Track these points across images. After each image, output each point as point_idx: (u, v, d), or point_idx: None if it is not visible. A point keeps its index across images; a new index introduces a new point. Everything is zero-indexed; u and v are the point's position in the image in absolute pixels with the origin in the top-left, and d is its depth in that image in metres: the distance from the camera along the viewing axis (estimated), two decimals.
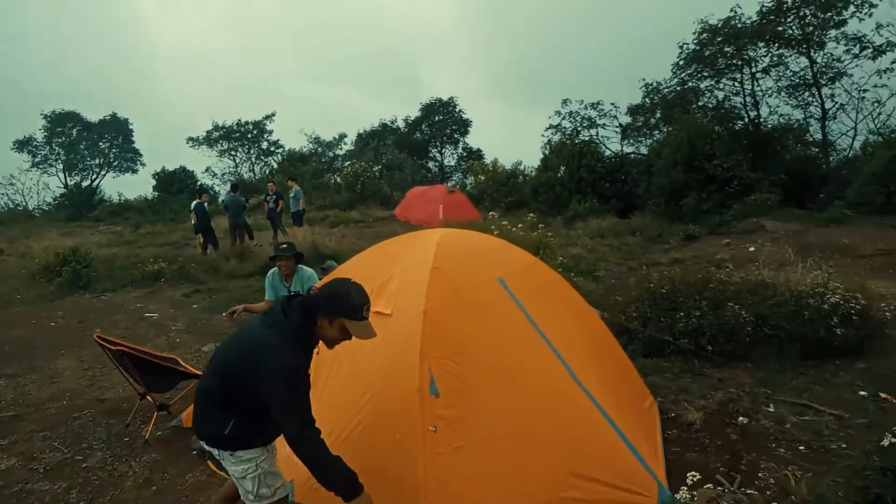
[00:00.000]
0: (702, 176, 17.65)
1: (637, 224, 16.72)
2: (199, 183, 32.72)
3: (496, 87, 77.58)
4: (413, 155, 37.88)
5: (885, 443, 3.00)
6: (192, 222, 14.68)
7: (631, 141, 25.36)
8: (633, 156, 24.28)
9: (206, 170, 40.60)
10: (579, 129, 25.48)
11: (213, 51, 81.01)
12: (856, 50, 19.90)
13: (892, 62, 19.76)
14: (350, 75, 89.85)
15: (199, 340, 7.90)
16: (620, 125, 25.32)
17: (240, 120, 40.75)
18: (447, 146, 41.59)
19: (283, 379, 2.49)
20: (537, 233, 11.30)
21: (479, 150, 40.71)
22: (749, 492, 3.03)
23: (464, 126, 41.00)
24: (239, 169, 41.04)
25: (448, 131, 41.06)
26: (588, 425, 3.61)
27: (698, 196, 17.28)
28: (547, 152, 23.74)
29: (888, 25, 19.10)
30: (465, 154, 41.10)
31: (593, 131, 25.53)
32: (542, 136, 26.86)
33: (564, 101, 25.84)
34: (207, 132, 40.69)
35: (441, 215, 19.61)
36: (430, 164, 41.09)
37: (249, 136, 41.30)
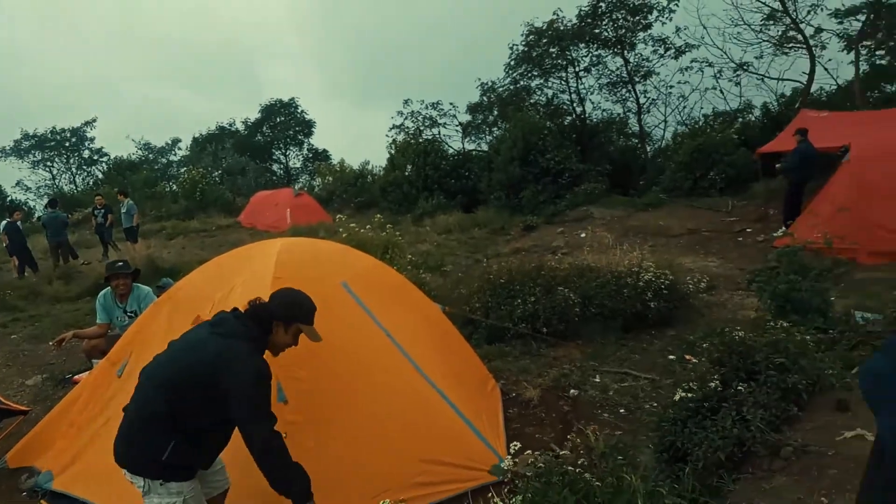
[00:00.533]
0: (537, 169, 18.80)
1: (481, 218, 17.45)
2: (8, 199, 29.24)
3: (338, 86, 76.89)
4: (255, 158, 36.63)
5: (677, 397, 3.47)
6: (4, 244, 13.16)
7: (472, 138, 26.40)
8: (474, 152, 25.28)
9: (17, 184, 36.46)
10: (422, 128, 26.07)
11: (19, 48, 72.28)
12: (661, 50, 22.22)
13: (692, 61, 22.44)
14: (182, 76, 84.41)
15: (23, 374, 7.14)
16: (461, 124, 26.25)
17: (54, 127, 37.03)
18: (291, 148, 40.69)
19: (258, 383, 2.55)
20: (386, 233, 11.45)
21: (325, 151, 40.26)
22: (563, 452, 3.37)
23: (307, 127, 40.32)
24: (57, 181, 37.33)
25: (291, 132, 40.15)
26: (434, 413, 3.84)
27: (535, 188, 18.40)
28: (393, 152, 24.04)
29: (685, 28, 21.56)
30: (310, 155, 40.46)
31: (435, 130, 26.25)
32: (387, 136, 27.25)
33: (406, 102, 26.35)
34: (15, 141, 36.53)
35: (289, 219, 19.19)
36: (275, 167, 39.97)
37: (67, 144, 37.63)
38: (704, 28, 20.71)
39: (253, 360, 2.59)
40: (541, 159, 18.85)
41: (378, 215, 12.79)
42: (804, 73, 19.37)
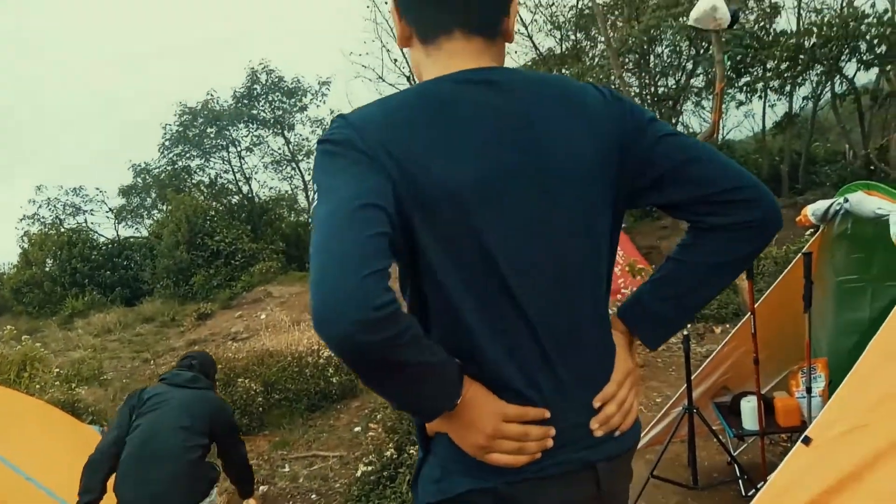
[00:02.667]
0: (206, 252, 17.90)
1: (148, 310, 15.82)
2: None
3: None
4: None
5: (359, 472, 3.51)
6: None
7: (129, 223, 24.01)
8: (132, 239, 23.00)
9: None
10: (62, 216, 22.79)
11: None
12: (319, 131, 23.44)
13: None
14: None
15: None
16: (112, 209, 23.71)
17: None
18: None
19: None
20: (22, 345, 9.55)
21: None
22: None
23: None
24: None
25: None
26: None
27: (206, 272, 17.45)
28: (27, 246, 20.46)
29: (338, 111, 23.21)
30: None
31: (81, 218, 23.19)
32: (17, 228, 23.09)
33: (39, 188, 22.75)
34: None
35: None
36: None
37: None
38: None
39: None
40: (210, 241, 18.02)
41: (9, 325, 10.62)
42: None
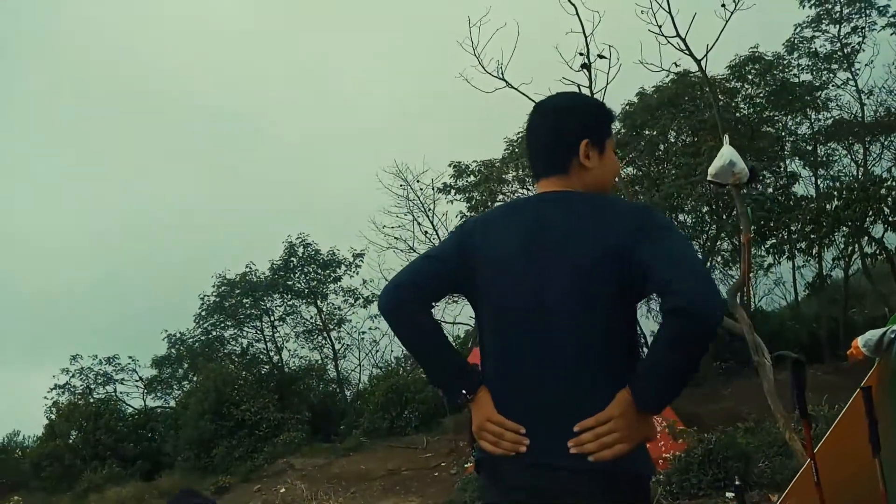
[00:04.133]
0: (231, 422, 17.50)
1: (165, 485, 15.21)
2: None
3: None
4: None
5: None
6: None
7: (158, 394, 23.86)
8: (159, 409, 22.75)
9: None
10: (93, 386, 22.83)
11: None
12: (351, 300, 23.87)
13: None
14: None
15: None
16: (141, 378, 23.72)
17: None
18: None
19: None
20: None
21: None
22: None
23: None
24: None
25: None
26: None
27: (229, 443, 16.92)
28: (53, 417, 20.31)
29: (371, 281, 23.74)
30: None
31: (110, 387, 23.18)
32: (46, 398, 23.01)
33: (74, 358, 23.02)
34: None
35: None
36: None
37: None
38: (387, 280, 23.21)
39: None
40: (236, 411, 17.69)
41: (16, 496, 10.18)
42: (471, 317, 22.32)
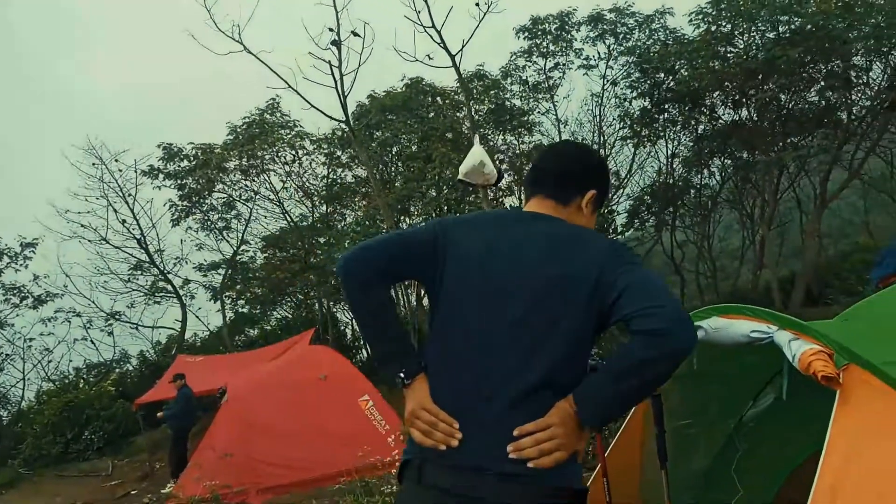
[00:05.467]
0: None
1: None
2: None
3: None
4: None
5: None
6: None
7: None
8: None
9: None
10: None
11: None
12: (16, 300, 19.42)
13: (56, 311, 20.18)
14: None
15: None
16: None
17: None
18: None
19: None
20: None
21: None
22: None
23: None
24: None
25: None
26: None
27: None
28: None
29: (45, 276, 19.60)
30: None
31: None
32: None
33: None
34: None
35: None
36: None
37: None
38: (67, 276, 19.32)
39: None
40: None
41: None
42: (177, 320, 19.91)
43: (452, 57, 6.07)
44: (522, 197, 14.89)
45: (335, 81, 6.28)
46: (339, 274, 1.63)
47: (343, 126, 15.28)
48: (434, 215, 14.09)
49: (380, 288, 1.63)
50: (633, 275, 1.46)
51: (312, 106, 6.18)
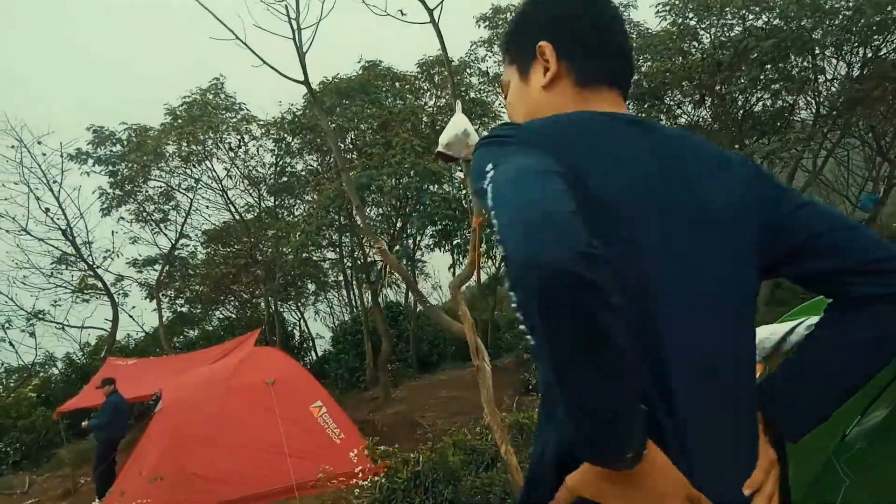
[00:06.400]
0: None
1: None
2: None
3: None
4: None
5: None
6: None
7: None
8: None
9: None
10: None
11: None
12: None
13: None
14: None
15: None
16: None
17: None
18: None
19: None
20: None
21: None
22: None
23: None
24: None
25: None
26: None
27: None
28: None
29: None
30: None
31: None
32: None
33: None
34: None
35: None
36: None
37: None
38: None
39: None
40: None
41: None
42: (108, 320, 18.40)
43: (430, 11, 5.28)
44: None
45: (293, 32, 5.37)
46: (537, 281, 0.75)
47: (293, 109, 14.43)
48: (396, 206, 13.29)
49: (607, 297, 0.86)
50: (814, 206, 1.07)
51: (264, 62, 5.26)
